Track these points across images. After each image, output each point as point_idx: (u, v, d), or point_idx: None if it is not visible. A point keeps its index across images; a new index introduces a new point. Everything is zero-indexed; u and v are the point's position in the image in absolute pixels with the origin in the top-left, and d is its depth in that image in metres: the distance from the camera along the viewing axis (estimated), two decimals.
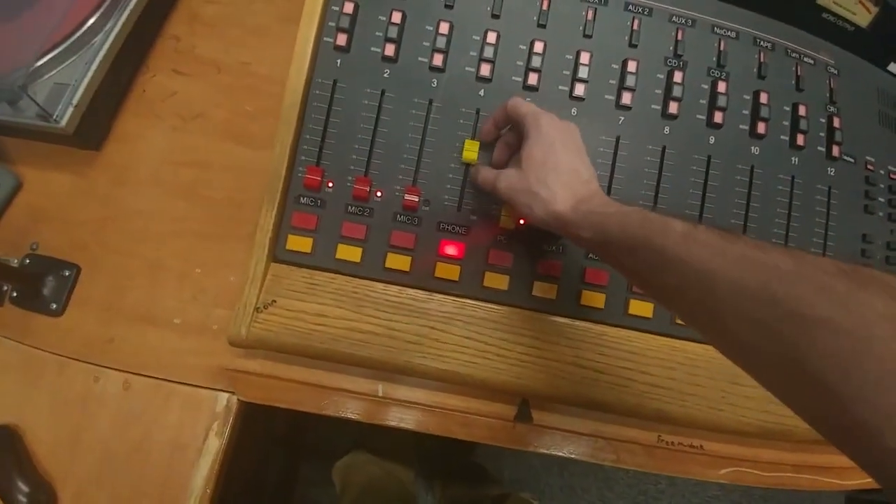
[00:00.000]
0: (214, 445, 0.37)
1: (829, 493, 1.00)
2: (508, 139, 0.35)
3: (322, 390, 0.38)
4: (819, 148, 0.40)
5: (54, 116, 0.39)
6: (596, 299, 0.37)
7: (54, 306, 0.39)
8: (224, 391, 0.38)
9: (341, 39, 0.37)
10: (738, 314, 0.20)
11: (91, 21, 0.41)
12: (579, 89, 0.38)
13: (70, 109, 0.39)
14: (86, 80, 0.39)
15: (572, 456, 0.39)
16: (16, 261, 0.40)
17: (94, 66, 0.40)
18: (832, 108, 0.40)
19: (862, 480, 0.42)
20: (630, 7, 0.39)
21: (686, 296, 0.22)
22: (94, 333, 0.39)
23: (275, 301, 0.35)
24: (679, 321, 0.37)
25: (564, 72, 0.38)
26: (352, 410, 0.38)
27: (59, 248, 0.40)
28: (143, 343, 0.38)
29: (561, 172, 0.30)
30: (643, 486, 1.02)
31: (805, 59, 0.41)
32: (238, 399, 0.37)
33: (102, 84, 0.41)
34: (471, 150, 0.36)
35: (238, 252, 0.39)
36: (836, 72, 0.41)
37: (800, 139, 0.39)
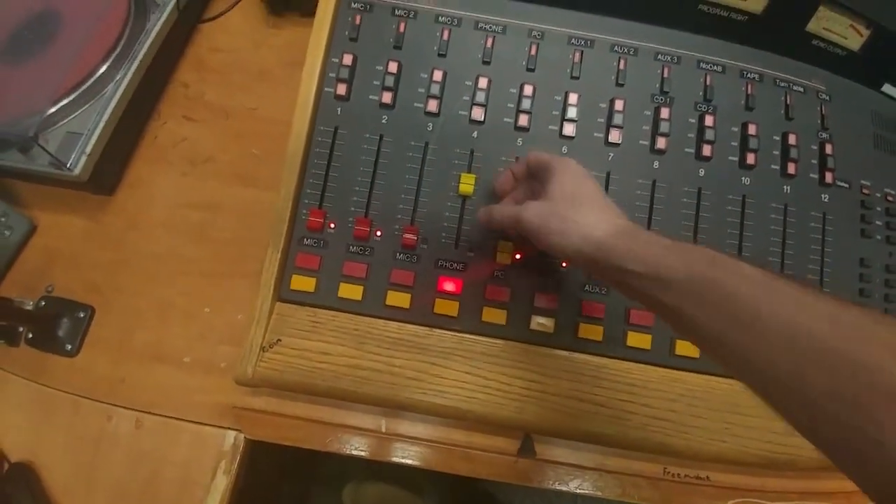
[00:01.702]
0: (222, 483, 0.37)
1: None
2: (528, 186, 0.34)
3: (326, 427, 0.38)
4: (812, 175, 0.40)
5: (68, 165, 0.40)
6: (594, 332, 0.37)
7: (69, 347, 0.40)
8: (231, 429, 0.38)
9: (341, 89, 0.39)
10: (819, 377, 0.18)
11: (102, 70, 0.43)
12: (569, 129, 0.39)
13: (84, 158, 0.40)
14: (98, 129, 0.41)
15: (577, 490, 0.39)
16: (31, 303, 0.41)
17: (106, 116, 0.41)
18: (824, 135, 0.41)
19: None
20: (616, 48, 0.40)
21: (757, 352, 0.20)
22: (106, 373, 0.40)
23: (280, 340, 0.36)
24: (678, 353, 0.37)
25: (554, 112, 0.39)
26: (356, 447, 0.38)
27: (73, 289, 0.42)
28: (154, 382, 0.40)
29: (595, 201, 0.27)
30: None
31: (794, 88, 0.41)
32: (245, 437, 0.38)
33: (115, 132, 0.42)
34: (467, 184, 0.38)
35: (244, 290, 0.41)
36: (827, 97, 0.42)
37: (791, 167, 0.40)
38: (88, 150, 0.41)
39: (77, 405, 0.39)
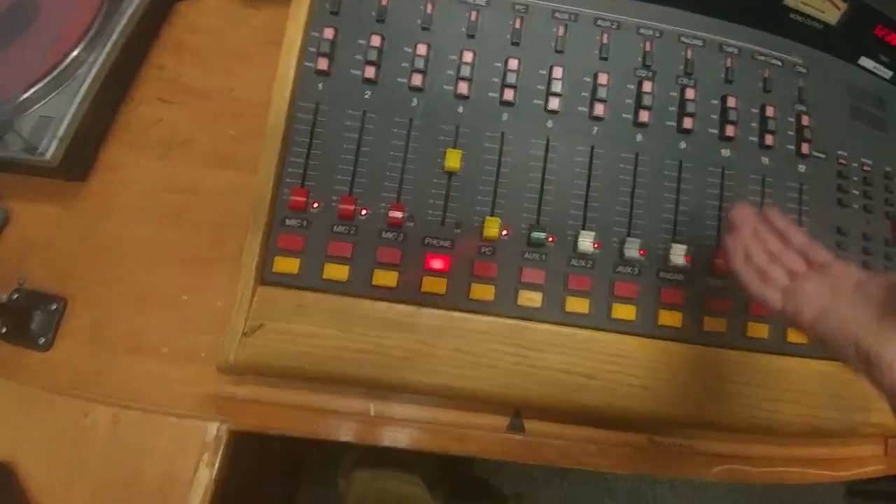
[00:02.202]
0: (205, 476, 0.36)
1: (827, 487, 1.00)
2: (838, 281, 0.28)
3: (313, 413, 0.38)
4: (789, 146, 0.41)
5: (39, 150, 0.39)
6: (580, 304, 0.37)
7: (42, 341, 0.39)
8: (213, 420, 0.37)
9: (322, 64, 0.38)
10: None
11: (75, 53, 0.41)
12: (554, 103, 0.39)
13: (55, 142, 0.39)
14: (70, 113, 0.40)
15: (565, 465, 0.39)
16: (4, 296, 0.39)
17: (78, 98, 0.40)
18: (801, 107, 0.42)
19: (855, 471, 0.43)
20: (599, 22, 0.40)
21: None
22: (82, 367, 0.38)
23: (263, 324, 0.35)
24: (662, 322, 0.38)
25: (539, 87, 0.39)
26: (344, 432, 0.38)
27: (47, 281, 0.40)
28: (131, 374, 0.38)
29: None
30: (643, 493, 1.02)
31: (772, 62, 0.42)
32: (228, 428, 0.37)
33: (87, 115, 0.41)
34: (453, 159, 0.37)
35: (225, 276, 0.39)
36: (804, 71, 0.43)
37: (769, 139, 0.41)
38: (60, 133, 0.39)
39: (53, 401, 0.38)
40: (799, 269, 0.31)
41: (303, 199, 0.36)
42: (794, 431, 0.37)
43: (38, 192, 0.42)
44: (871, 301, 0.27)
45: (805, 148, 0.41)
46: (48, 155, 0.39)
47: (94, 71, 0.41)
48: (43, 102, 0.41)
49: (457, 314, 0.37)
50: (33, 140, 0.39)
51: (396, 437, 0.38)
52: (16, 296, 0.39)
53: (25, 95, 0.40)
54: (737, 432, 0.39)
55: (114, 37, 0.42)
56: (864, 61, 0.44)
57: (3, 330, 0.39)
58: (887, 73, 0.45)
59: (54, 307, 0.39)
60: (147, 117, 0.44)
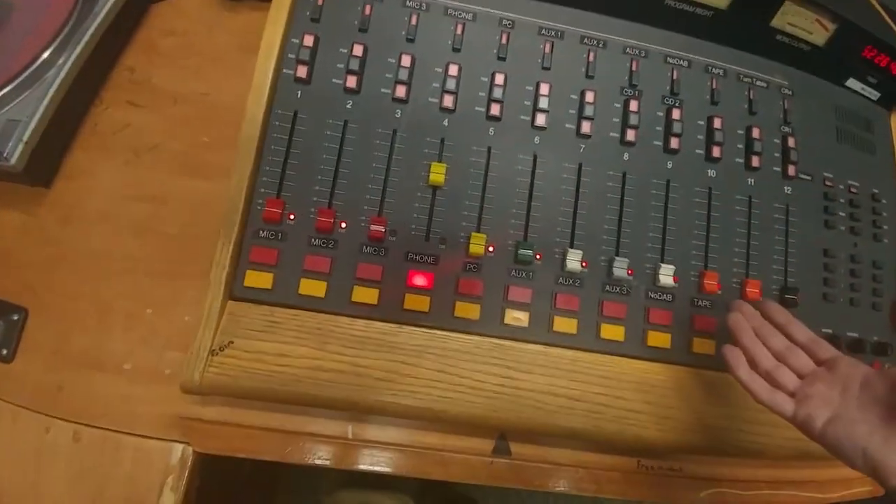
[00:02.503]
0: (170, 500, 0.34)
1: None
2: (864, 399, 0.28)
3: (285, 436, 0.36)
4: (775, 168, 0.41)
5: (4, 154, 0.37)
6: (568, 324, 0.36)
7: (4, 352, 0.37)
8: (179, 441, 0.35)
9: (301, 71, 0.37)
10: None
11: (45, 55, 0.40)
12: (541, 119, 0.38)
13: (20, 146, 0.37)
14: (37, 116, 0.38)
15: (554, 489, 0.37)
16: None
17: (45, 102, 0.39)
18: (786, 129, 0.42)
19: (842, 492, 0.42)
20: (585, 40, 0.40)
21: None
22: (43, 381, 0.36)
23: (232, 342, 0.33)
24: (650, 344, 0.37)
25: (525, 102, 0.38)
26: (319, 456, 0.36)
27: (7, 290, 0.38)
28: (92, 391, 0.36)
29: None
30: None
31: (758, 83, 0.42)
32: (193, 450, 0.35)
33: (53, 119, 0.39)
34: (437, 173, 0.36)
35: (193, 290, 0.37)
36: (790, 92, 0.43)
37: (755, 161, 0.41)
38: (26, 137, 0.38)
39: (16, 415, 0.35)
40: (807, 368, 0.30)
41: (278, 210, 0.35)
42: (783, 455, 0.37)
43: None
44: (877, 401, 0.28)
45: (791, 170, 0.41)
46: (13, 160, 0.37)
47: (62, 73, 0.40)
48: (11, 105, 0.39)
49: (440, 333, 0.35)
50: None
51: (376, 461, 0.36)
52: None
53: None
54: (726, 456, 0.38)
55: (85, 38, 0.41)
56: (852, 83, 0.45)
57: None
58: (875, 95, 0.45)
59: (15, 318, 0.37)
60: (115, 121, 0.42)
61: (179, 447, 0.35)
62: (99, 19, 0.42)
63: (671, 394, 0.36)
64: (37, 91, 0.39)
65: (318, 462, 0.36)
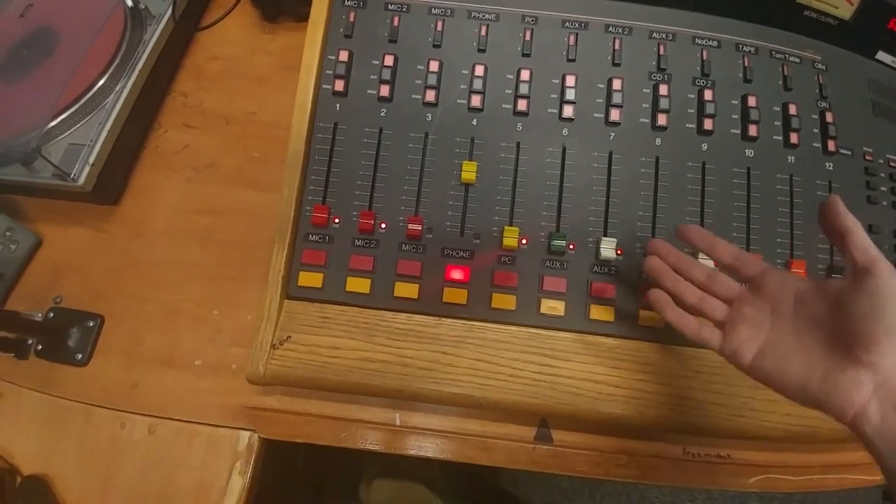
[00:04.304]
0: (238, 484, 0.37)
1: (864, 493, 0.95)
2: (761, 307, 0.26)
3: (340, 422, 0.38)
4: (814, 144, 0.40)
5: (72, 176, 0.41)
6: (605, 312, 0.37)
7: (80, 357, 0.40)
8: (245, 429, 0.38)
9: (339, 85, 0.39)
10: None
11: (101, 82, 0.44)
12: (568, 111, 0.39)
13: (87, 168, 0.41)
14: (101, 140, 0.42)
15: (596, 476, 0.38)
16: (40, 315, 0.41)
17: (107, 126, 0.42)
18: (823, 104, 0.41)
19: None
20: (610, 28, 0.40)
21: None
22: (118, 380, 0.40)
23: (290, 337, 0.36)
24: None
25: (552, 96, 0.39)
26: (370, 441, 0.38)
27: (82, 299, 0.42)
28: (166, 386, 0.40)
29: None
30: (680, 503, 0.98)
31: (791, 59, 0.41)
32: (259, 436, 0.38)
33: (117, 142, 0.43)
34: (469, 171, 0.38)
35: (252, 292, 0.41)
36: (823, 67, 0.42)
37: (793, 137, 0.39)
38: (92, 160, 0.41)
39: (89, 414, 0.39)
40: (734, 292, 0.28)
41: (324, 215, 0.37)
42: (834, 438, 0.36)
43: (69, 215, 0.44)
44: (815, 322, 0.24)
45: (831, 145, 0.40)
46: (81, 181, 0.41)
47: (121, 99, 0.43)
48: (71, 130, 0.43)
49: (478, 324, 0.37)
50: (65, 167, 0.41)
51: (422, 447, 0.38)
52: (52, 314, 0.41)
53: (52, 124, 0.42)
54: (774, 441, 0.37)
55: (139, 66, 0.44)
56: (882, 55, 0.43)
57: (40, 347, 0.41)
58: None
59: (91, 324, 0.41)
60: (174, 143, 0.46)
61: (246, 434, 0.38)
62: (150, 47, 0.45)
63: (715, 379, 0.36)
64: (98, 117, 0.43)
65: (369, 446, 0.38)
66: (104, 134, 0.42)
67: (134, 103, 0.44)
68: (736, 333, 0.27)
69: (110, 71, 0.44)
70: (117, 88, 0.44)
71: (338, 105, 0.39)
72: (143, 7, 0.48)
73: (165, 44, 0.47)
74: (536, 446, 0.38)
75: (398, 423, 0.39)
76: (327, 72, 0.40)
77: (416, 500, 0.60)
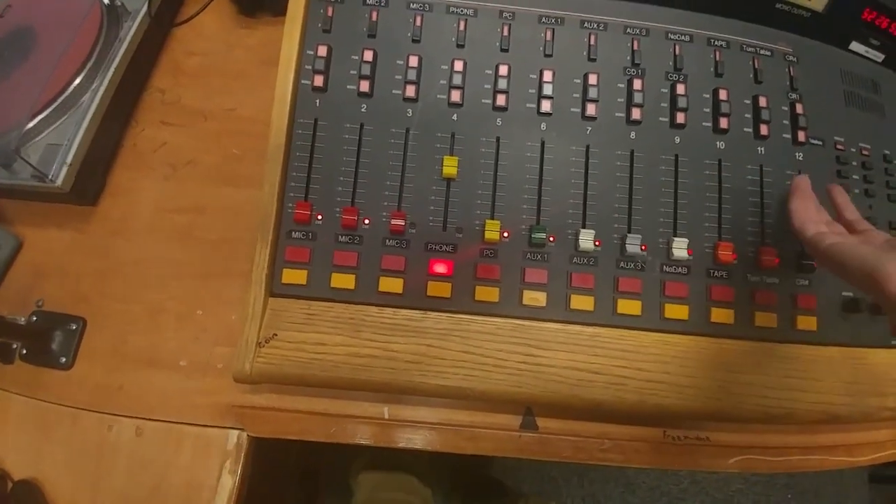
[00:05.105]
0: (228, 483, 0.37)
1: (850, 474, 0.99)
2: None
3: (329, 418, 0.39)
4: (784, 135, 0.42)
5: (50, 176, 0.40)
6: (585, 302, 0.38)
7: (64, 360, 0.40)
8: (233, 428, 0.38)
9: (318, 81, 0.39)
10: None
11: (77, 81, 0.43)
12: (546, 105, 0.39)
13: (65, 168, 0.40)
14: (77, 139, 0.41)
15: (580, 461, 0.39)
16: (23, 319, 0.41)
17: (84, 125, 0.41)
18: (794, 96, 0.42)
19: (872, 456, 0.42)
20: (585, 24, 0.41)
21: None
22: (103, 382, 0.40)
23: (275, 334, 0.36)
24: (668, 316, 0.38)
25: (530, 90, 0.40)
26: (360, 435, 0.39)
27: (64, 302, 0.42)
28: (151, 387, 0.40)
29: None
30: (665, 488, 1.01)
31: (761, 52, 0.42)
32: (248, 435, 0.38)
33: (94, 141, 0.42)
34: (450, 166, 0.38)
35: (237, 290, 0.41)
36: (794, 59, 0.43)
37: (763, 129, 0.41)
38: (69, 160, 0.41)
39: (76, 417, 0.39)
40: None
41: (307, 211, 0.37)
42: (810, 419, 0.37)
43: (49, 217, 0.44)
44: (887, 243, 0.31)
45: (801, 136, 0.41)
46: (59, 181, 0.40)
47: (97, 97, 0.42)
48: (48, 131, 0.42)
49: (463, 317, 0.37)
50: (43, 167, 0.40)
51: (411, 439, 0.39)
52: (35, 318, 0.41)
53: (30, 125, 0.41)
54: (751, 423, 0.39)
55: (115, 63, 0.44)
56: (856, 46, 0.44)
57: (24, 351, 0.40)
58: (879, 57, 0.45)
59: (74, 327, 0.41)
60: (152, 140, 0.46)
61: (235, 433, 0.38)
62: (126, 44, 0.45)
63: (691, 363, 0.37)
64: (74, 116, 0.42)
65: (359, 441, 0.38)
66: (81, 133, 0.41)
67: (110, 101, 0.44)
68: (826, 230, 0.34)
69: (86, 69, 0.44)
70: (93, 87, 0.43)
71: (318, 100, 0.39)
72: (119, 3, 0.47)
73: (141, 40, 0.46)
74: (522, 434, 0.39)
75: (387, 416, 0.39)
76: (306, 67, 0.39)
77: (403, 489, 0.61)
